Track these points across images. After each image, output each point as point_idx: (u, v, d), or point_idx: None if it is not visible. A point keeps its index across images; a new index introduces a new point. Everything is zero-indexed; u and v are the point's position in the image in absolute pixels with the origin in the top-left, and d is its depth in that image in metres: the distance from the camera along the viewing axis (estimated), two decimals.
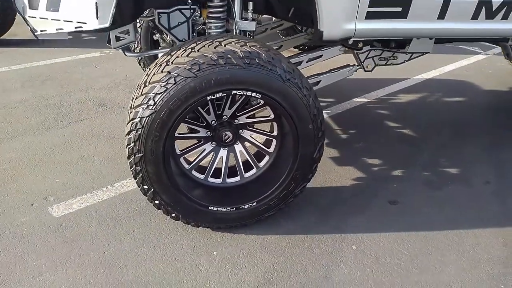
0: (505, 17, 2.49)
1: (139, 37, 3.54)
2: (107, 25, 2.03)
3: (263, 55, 1.99)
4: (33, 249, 2.18)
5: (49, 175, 2.76)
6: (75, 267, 2.08)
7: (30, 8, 2.21)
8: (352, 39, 2.40)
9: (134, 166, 2.07)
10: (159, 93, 1.92)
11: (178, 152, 2.24)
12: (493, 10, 2.44)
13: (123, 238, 2.27)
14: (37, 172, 2.79)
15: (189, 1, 2.36)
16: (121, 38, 2.53)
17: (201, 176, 2.33)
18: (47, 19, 2.17)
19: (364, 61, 2.80)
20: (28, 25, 2.26)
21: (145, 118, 1.95)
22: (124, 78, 4.32)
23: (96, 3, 1.97)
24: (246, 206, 2.27)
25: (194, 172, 2.31)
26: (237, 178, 2.36)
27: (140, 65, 3.95)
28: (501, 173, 3.00)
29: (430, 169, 3.01)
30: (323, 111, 3.60)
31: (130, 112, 2.02)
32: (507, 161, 3.16)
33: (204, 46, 2.00)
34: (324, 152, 2.92)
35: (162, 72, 1.96)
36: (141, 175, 2.08)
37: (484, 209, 2.63)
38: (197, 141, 2.29)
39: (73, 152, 3.03)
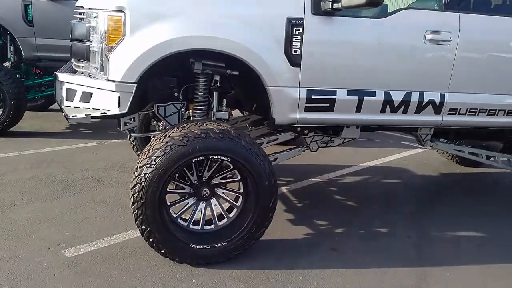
0: (405, 112, 3.50)
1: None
2: (125, 111, 2.92)
3: (232, 132, 2.90)
4: (52, 277, 2.79)
5: (60, 229, 3.42)
6: None
7: (66, 100, 3.11)
8: (296, 125, 3.37)
9: (136, 210, 2.81)
10: (159, 156, 2.76)
11: (168, 203, 3.00)
12: (395, 106, 3.45)
13: (122, 271, 2.91)
14: (50, 227, 3.45)
15: (181, 98, 3.32)
16: (128, 124, 3.45)
17: (185, 224, 3.07)
18: (79, 107, 3.07)
19: (310, 143, 3.74)
20: (63, 112, 3.14)
21: (148, 174, 2.76)
22: (118, 161, 5.14)
23: (119, 96, 2.89)
24: (219, 245, 2.99)
25: (179, 220, 3.05)
26: (212, 226, 3.10)
27: (133, 149, 4.84)
28: (420, 231, 3.83)
29: (364, 228, 3.81)
30: (284, 187, 4.50)
31: (136, 171, 2.83)
32: (425, 223, 4.01)
33: (191, 125, 2.90)
34: (282, 215, 3.76)
35: (161, 142, 2.82)
36: (141, 217, 2.82)
37: (404, 254, 3.40)
38: (180, 197, 3.07)
39: (78, 214, 3.71)
